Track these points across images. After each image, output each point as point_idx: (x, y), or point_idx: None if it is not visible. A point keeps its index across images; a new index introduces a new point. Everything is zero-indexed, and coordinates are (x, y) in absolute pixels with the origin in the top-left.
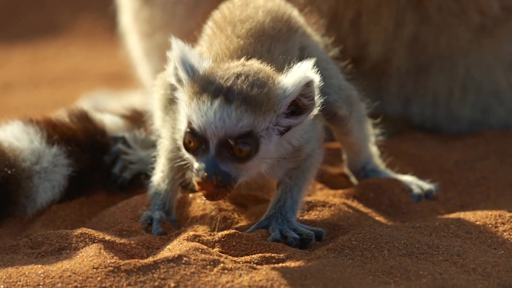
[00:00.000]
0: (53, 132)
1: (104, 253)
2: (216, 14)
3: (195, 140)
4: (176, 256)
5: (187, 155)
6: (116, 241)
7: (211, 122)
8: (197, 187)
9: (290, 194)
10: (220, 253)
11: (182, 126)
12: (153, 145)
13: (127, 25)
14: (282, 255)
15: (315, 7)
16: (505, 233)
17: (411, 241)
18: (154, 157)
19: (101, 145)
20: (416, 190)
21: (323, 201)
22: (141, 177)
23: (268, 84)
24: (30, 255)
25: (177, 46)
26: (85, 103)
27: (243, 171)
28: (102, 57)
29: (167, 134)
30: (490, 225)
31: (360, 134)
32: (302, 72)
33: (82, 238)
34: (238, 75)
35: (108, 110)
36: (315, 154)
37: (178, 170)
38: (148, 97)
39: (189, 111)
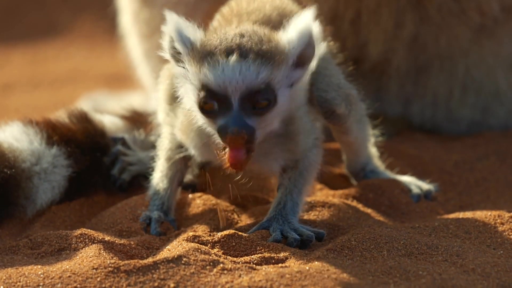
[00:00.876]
0: (53, 133)
1: (104, 254)
2: (224, 8)
3: (212, 101)
4: (175, 256)
5: (203, 120)
6: (116, 241)
7: (231, 78)
8: (227, 151)
9: (290, 196)
10: (220, 254)
11: (193, 95)
12: (152, 146)
13: (127, 26)
14: (281, 255)
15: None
16: (504, 233)
17: (410, 241)
18: (154, 157)
19: (101, 146)
20: (416, 191)
21: (323, 201)
22: (141, 178)
23: (273, 39)
24: (30, 255)
25: (171, 19)
26: (85, 104)
27: (263, 125)
28: (102, 58)
29: (166, 133)
30: (489, 226)
31: (359, 134)
32: (305, 23)
33: (81, 238)
34: (241, 35)
35: (108, 111)
36: (311, 154)
37: (177, 169)
38: (148, 97)
39: (202, 75)
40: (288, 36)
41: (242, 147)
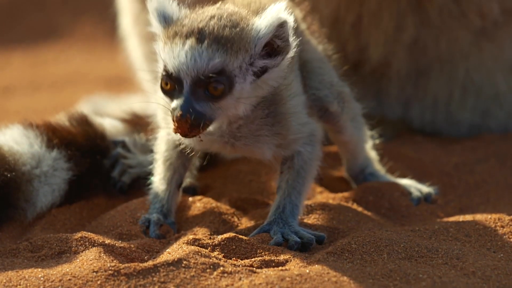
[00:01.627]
0: (53, 136)
1: (104, 257)
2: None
3: (171, 82)
4: (176, 259)
5: (164, 98)
6: (116, 244)
7: (183, 63)
8: (172, 126)
9: (289, 199)
10: (220, 257)
11: (160, 71)
12: (152, 150)
13: (127, 29)
14: (281, 258)
15: (316, 11)
16: (504, 236)
17: (410, 244)
18: (153, 161)
19: (101, 149)
20: (416, 194)
21: (323, 204)
22: (141, 181)
23: (241, 24)
24: (30, 258)
25: None
26: (85, 107)
27: (219, 110)
28: (102, 60)
29: (163, 136)
30: (489, 228)
31: (353, 133)
32: (275, 13)
33: (82, 241)
34: (211, 17)
35: (108, 114)
36: (306, 151)
37: (175, 171)
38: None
39: (164, 54)
40: (257, 23)
41: (187, 129)
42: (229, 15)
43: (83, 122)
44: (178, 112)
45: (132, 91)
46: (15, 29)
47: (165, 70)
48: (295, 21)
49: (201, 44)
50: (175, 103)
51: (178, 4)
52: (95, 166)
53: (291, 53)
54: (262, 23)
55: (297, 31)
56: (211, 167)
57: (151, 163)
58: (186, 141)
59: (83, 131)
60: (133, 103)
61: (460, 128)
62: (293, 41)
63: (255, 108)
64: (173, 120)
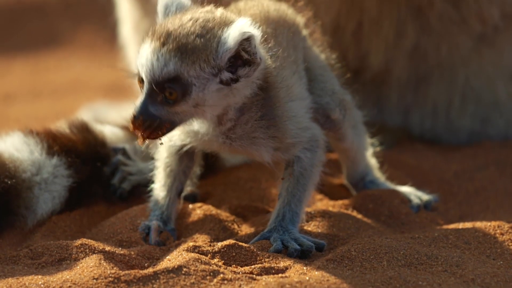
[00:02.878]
0: (53, 143)
1: (104, 264)
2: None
3: (139, 81)
4: (176, 266)
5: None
6: (116, 251)
7: (143, 65)
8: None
9: (289, 207)
10: (220, 264)
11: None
12: (153, 157)
13: (127, 37)
14: (281, 265)
15: (317, 19)
16: (504, 244)
17: (410, 251)
18: (153, 168)
19: (101, 156)
20: (415, 201)
21: (323, 211)
22: (141, 188)
23: (209, 34)
24: (30, 265)
25: None
26: (85, 114)
27: (177, 115)
28: (103, 68)
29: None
30: (489, 236)
31: (354, 140)
32: (239, 27)
33: (82, 248)
34: (189, 20)
35: (108, 121)
36: (305, 157)
37: (175, 178)
38: None
39: (139, 52)
40: (224, 36)
41: (141, 130)
42: (204, 21)
43: (84, 129)
44: (131, 113)
45: (132, 99)
46: (16, 36)
47: (137, 68)
48: (298, 26)
49: (161, 48)
50: (136, 103)
51: (191, 2)
52: (96, 173)
53: (263, 65)
54: (228, 36)
55: (299, 36)
56: (211, 174)
57: (151, 170)
58: (187, 141)
59: (83, 138)
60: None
61: (460, 135)
62: (262, 53)
63: (248, 110)
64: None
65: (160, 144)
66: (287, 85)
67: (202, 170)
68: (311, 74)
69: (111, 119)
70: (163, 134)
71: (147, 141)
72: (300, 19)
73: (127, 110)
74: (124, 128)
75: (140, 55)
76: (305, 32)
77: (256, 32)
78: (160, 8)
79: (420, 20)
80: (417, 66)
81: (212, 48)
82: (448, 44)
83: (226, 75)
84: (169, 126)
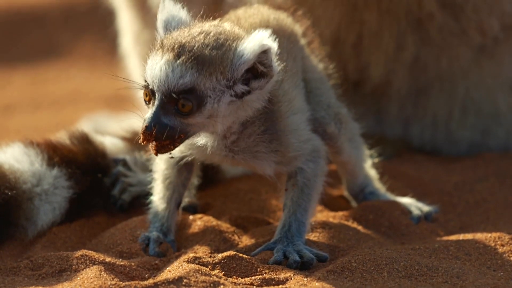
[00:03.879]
0: (53, 154)
1: (105, 275)
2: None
3: (148, 93)
4: (176, 278)
5: (146, 108)
6: (117, 262)
7: (156, 76)
8: (140, 138)
9: (295, 217)
10: (220, 275)
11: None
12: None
13: (128, 48)
14: (282, 276)
15: (317, 32)
16: (504, 255)
17: (410, 263)
18: (152, 180)
19: (102, 167)
20: (416, 212)
21: (323, 222)
22: (141, 199)
23: (224, 46)
24: (30, 276)
25: (164, 7)
26: (85, 125)
27: (190, 127)
28: (103, 79)
29: (163, 156)
30: (489, 247)
31: (352, 153)
32: (259, 39)
33: (82, 259)
34: (200, 33)
35: (108, 132)
36: (308, 168)
37: (174, 190)
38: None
39: (147, 65)
40: (240, 48)
41: (152, 141)
42: (216, 34)
43: (84, 140)
44: (143, 124)
45: (132, 110)
46: (16, 48)
47: (145, 80)
48: (296, 36)
49: (176, 60)
50: (147, 114)
51: (188, 14)
52: (96, 184)
53: (276, 77)
54: (245, 48)
55: (298, 46)
56: (211, 186)
57: (151, 181)
58: (187, 153)
59: (83, 149)
60: (133, 121)
61: (460, 146)
62: (276, 66)
63: (251, 124)
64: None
65: (170, 157)
66: (288, 99)
67: (200, 181)
68: (308, 86)
69: (111, 130)
70: (175, 146)
71: (158, 155)
72: (298, 28)
73: (127, 121)
74: (125, 139)
75: (150, 67)
76: (303, 41)
77: (274, 45)
78: (160, 23)
79: (420, 32)
80: (417, 78)
81: (229, 60)
82: (448, 56)
83: (240, 87)
84: (182, 138)
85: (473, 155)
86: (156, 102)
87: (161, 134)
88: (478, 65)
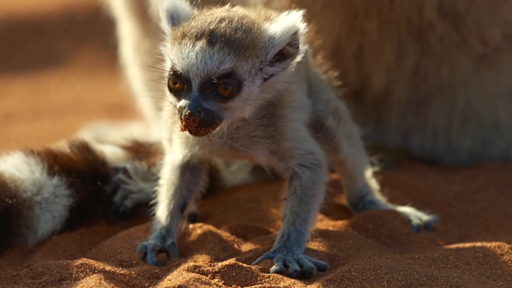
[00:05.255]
0: (54, 163)
1: (105, 284)
2: None
3: (179, 82)
4: (176, 286)
5: (171, 98)
6: (117, 271)
7: (193, 64)
8: (180, 125)
9: (294, 227)
10: (220, 284)
11: (166, 73)
12: (154, 178)
13: (128, 57)
14: (281, 286)
15: (319, 40)
16: (504, 265)
17: (410, 272)
18: (156, 186)
19: (102, 176)
20: (416, 221)
21: (323, 231)
22: (142, 208)
23: (253, 30)
24: (30, 285)
25: None
26: (86, 134)
27: (227, 111)
28: (103, 88)
29: (168, 160)
30: (489, 257)
31: (350, 151)
32: (291, 21)
33: (82, 268)
34: (221, 19)
35: (109, 141)
36: (305, 176)
37: (176, 192)
38: (149, 128)
39: (172, 55)
40: (271, 30)
41: (195, 127)
42: (240, 19)
43: (84, 149)
44: (186, 111)
45: (133, 119)
46: (17, 56)
47: (173, 70)
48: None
49: (212, 46)
50: (183, 101)
51: (189, 4)
52: (96, 193)
53: (299, 58)
54: (277, 30)
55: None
56: (211, 195)
57: (152, 189)
58: (186, 151)
59: (84, 158)
60: (134, 130)
61: (460, 156)
62: (302, 47)
63: (255, 110)
64: (181, 119)
65: (209, 140)
66: (289, 91)
67: (206, 186)
68: (308, 86)
69: (111, 139)
70: (213, 130)
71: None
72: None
73: (127, 129)
74: (125, 148)
75: (181, 55)
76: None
77: (303, 26)
78: (163, 14)
79: (420, 42)
80: (417, 88)
81: (262, 42)
82: (449, 66)
83: (269, 69)
84: (218, 123)
85: (473, 165)
86: (194, 88)
87: (204, 119)
88: (478, 74)
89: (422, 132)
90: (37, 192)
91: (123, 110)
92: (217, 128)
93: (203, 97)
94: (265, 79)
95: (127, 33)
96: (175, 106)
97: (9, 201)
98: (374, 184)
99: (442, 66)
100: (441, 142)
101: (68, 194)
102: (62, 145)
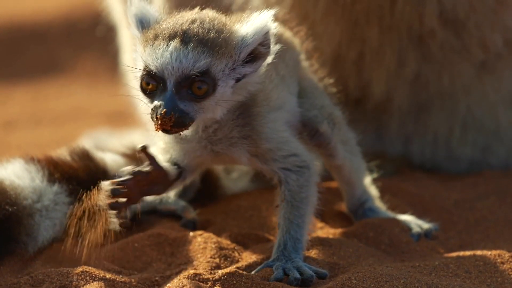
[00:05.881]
0: (54, 170)
1: None
2: None
3: (152, 82)
4: None
5: (144, 99)
6: (117, 279)
7: (168, 63)
8: (155, 124)
9: (289, 235)
10: None
11: (139, 72)
12: None
13: (128, 64)
14: None
15: (318, 49)
16: (504, 273)
17: (410, 280)
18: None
19: None
20: (416, 229)
21: (323, 239)
22: (142, 216)
23: (225, 30)
24: None
25: (132, 3)
26: (86, 142)
27: (200, 111)
28: (104, 95)
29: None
30: (489, 265)
31: (346, 157)
32: (263, 21)
33: (83, 276)
34: (193, 21)
35: (109, 149)
36: (291, 181)
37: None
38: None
39: (145, 55)
40: (243, 30)
41: (170, 127)
42: (211, 20)
43: (85, 156)
44: (162, 110)
45: (133, 126)
46: (17, 64)
47: (147, 70)
48: (289, 40)
49: (186, 45)
50: (158, 101)
51: (157, 9)
52: None
53: (270, 59)
54: (249, 30)
55: (292, 52)
56: (211, 202)
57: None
58: (166, 157)
59: (84, 165)
60: (134, 138)
61: (461, 164)
62: (273, 47)
63: (228, 112)
64: (156, 118)
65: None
66: (265, 91)
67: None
68: (303, 93)
69: (112, 147)
70: (186, 129)
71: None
72: (292, 36)
73: (128, 137)
74: (126, 155)
75: (155, 55)
76: (302, 55)
77: (274, 26)
78: (132, 19)
79: (421, 49)
80: (418, 95)
81: (234, 43)
82: (449, 73)
83: (241, 70)
84: (191, 122)
85: (474, 173)
86: (170, 87)
87: (180, 119)
88: (479, 81)
89: (422, 139)
90: (38, 200)
91: (123, 117)
92: (189, 128)
93: (179, 96)
94: (237, 80)
95: (127, 41)
96: (148, 106)
97: (10, 209)
98: (373, 191)
99: (443, 73)
100: (441, 149)
101: (69, 202)
102: (62, 153)
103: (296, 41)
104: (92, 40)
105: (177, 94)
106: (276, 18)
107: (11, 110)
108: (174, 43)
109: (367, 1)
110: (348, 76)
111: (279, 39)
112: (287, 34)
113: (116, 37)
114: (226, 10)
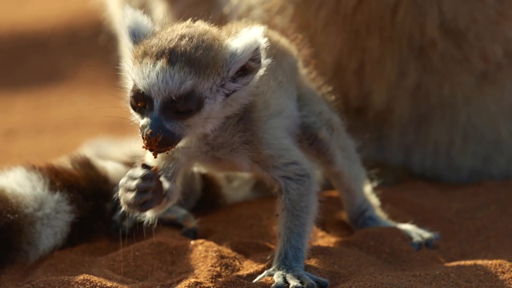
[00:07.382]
0: (55, 178)
1: None
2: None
3: (141, 100)
4: None
5: (135, 115)
6: (118, 287)
7: (154, 84)
8: (142, 143)
9: (289, 244)
10: None
11: (129, 87)
12: None
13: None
14: None
15: (319, 59)
16: (505, 282)
17: None
18: None
19: (104, 192)
20: (417, 239)
21: (324, 248)
22: (143, 225)
23: (214, 47)
24: None
25: (126, 15)
26: (87, 150)
27: (187, 129)
28: (105, 104)
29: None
30: (490, 274)
31: (345, 164)
32: (252, 37)
33: (84, 284)
34: (182, 37)
35: (110, 157)
36: (291, 190)
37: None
38: None
39: (134, 74)
40: (233, 46)
41: (156, 147)
42: (200, 35)
43: (86, 165)
44: (148, 131)
45: (134, 135)
46: (18, 72)
47: (135, 88)
48: (288, 51)
49: (172, 66)
50: (145, 120)
51: (151, 21)
52: (98, 209)
53: (261, 72)
54: (239, 46)
55: (288, 59)
56: (212, 211)
57: None
58: (172, 157)
59: (85, 174)
60: (135, 146)
61: (461, 174)
62: (264, 61)
63: (228, 117)
64: (143, 138)
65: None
66: (262, 92)
67: (196, 204)
68: (301, 100)
69: (113, 155)
70: (173, 147)
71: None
72: (289, 44)
73: (129, 145)
74: (127, 164)
75: (142, 74)
76: (299, 63)
77: (264, 40)
78: (125, 30)
79: (422, 59)
80: (419, 105)
81: (223, 59)
82: (450, 83)
83: (231, 85)
84: (178, 141)
85: (474, 183)
86: (156, 107)
87: (165, 140)
88: (480, 92)
89: (423, 149)
90: (39, 208)
91: (124, 126)
92: (177, 145)
93: (165, 116)
94: (227, 95)
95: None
96: (137, 124)
97: (11, 217)
98: (374, 200)
99: (444, 83)
100: (442, 159)
101: (70, 210)
102: (63, 161)
103: (292, 48)
104: (93, 49)
105: (163, 114)
106: (276, 27)
107: (12, 118)
108: (161, 63)
109: (368, 12)
110: (349, 86)
111: (275, 46)
112: (283, 41)
113: (117, 46)
114: (226, 19)
